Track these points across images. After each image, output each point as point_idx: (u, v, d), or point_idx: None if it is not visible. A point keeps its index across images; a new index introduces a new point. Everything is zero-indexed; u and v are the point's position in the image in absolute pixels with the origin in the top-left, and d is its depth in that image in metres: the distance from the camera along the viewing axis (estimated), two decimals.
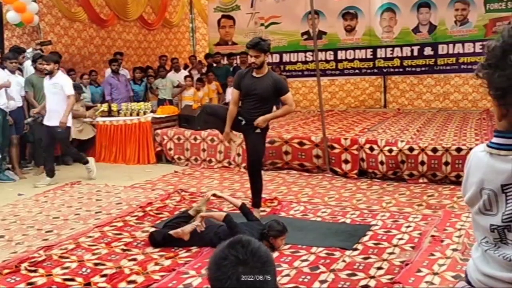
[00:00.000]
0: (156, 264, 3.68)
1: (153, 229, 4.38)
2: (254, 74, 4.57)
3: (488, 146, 1.33)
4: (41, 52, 7.91)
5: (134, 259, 3.77)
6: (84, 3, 9.94)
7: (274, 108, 4.86)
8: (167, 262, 3.70)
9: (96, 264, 3.69)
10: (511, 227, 1.27)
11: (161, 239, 4.02)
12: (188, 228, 3.98)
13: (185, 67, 11.12)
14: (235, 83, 4.76)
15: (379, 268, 3.49)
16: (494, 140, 1.31)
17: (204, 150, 7.39)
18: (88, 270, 3.60)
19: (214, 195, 4.49)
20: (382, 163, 6.10)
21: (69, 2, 9.79)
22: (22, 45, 8.35)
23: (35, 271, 3.60)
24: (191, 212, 4.34)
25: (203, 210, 4.36)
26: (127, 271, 3.57)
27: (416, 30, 10.38)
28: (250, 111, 4.60)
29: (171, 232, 3.99)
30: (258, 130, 4.57)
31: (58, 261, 3.76)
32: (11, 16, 8.08)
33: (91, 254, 3.89)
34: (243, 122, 4.62)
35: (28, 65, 7.66)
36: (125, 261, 3.74)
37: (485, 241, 1.35)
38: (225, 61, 11.45)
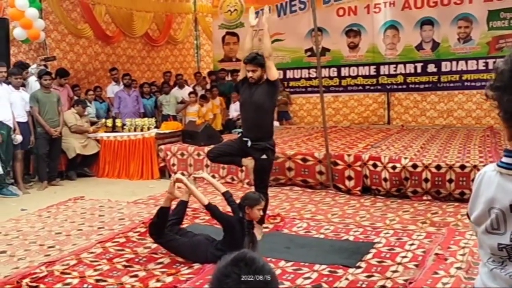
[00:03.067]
0: (158, 280, 3.65)
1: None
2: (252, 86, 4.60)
3: (498, 165, 1.33)
4: (45, 68, 7.98)
5: (136, 276, 3.75)
6: (90, 20, 10.06)
7: (277, 123, 4.84)
8: (169, 279, 3.67)
9: (97, 281, 3.67)
10: None
11: (157, 219, 4.03)
12: (171, 185, 4.11)
13: (185, 82, 11.13)
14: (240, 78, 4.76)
15: (383, 286, 3.45)
16: (504, 160, 1.32)
17: (207, 166, 7.39)
18: (90, 287, 3.58)
19: (195, 178, 4.41)
20: (385, 180, 6.08)
21: (76, 19, 9.91)
22: (28, 61, 8.44)
23: (36, 287, 3.59)
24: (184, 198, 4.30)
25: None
26: (128, 287, 3.55)
27: (419, 47, 10.43)
28: (250, 124, 4.58)
29: (163, 204, 4.08)
30: (264, 156, 4.56)
31: (60, 277, 3.74)
32: (17, 32, 8.18)
33: (93, 270, 3.87)
34: (249, 143, 4.57)
35: (32, 81, 7.72)
36: (127, 277, 3.73)
37: (491, 260, 1.35)
38: (229, 77, 11.52)
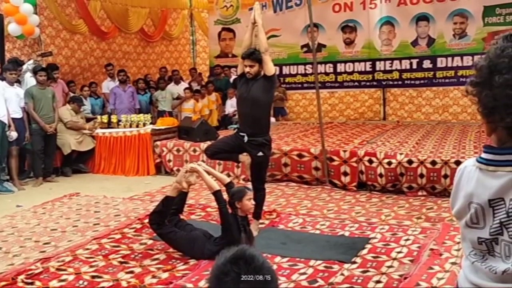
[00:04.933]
0: (154, 277, 3.66)
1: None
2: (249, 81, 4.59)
3: (477, 161, 1.36)
4: (41, 64, 7.94)
5: (132, 272, 3.75)
6: (85, 16, 10.02)
7: (273, 119, 4.83)
8: (165, 275, 3.68)
9: (93, 277, 3.67)
10: (498, 240, 1.30)
11: (161, 207, 4.03)
12: (182, 175, 4.10)
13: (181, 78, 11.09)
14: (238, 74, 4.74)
15: (378, 281, 3.47)
16: (484, 155, 1.35)
17: (203, 161, 7.37)
18: (85, 283, 3.57)
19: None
20: (381, 175, 6.09)
21: (70, 15, 9.86)
22: (23, 57, 8.40)
23: (32, 283, 3.58)
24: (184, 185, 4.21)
25: (192, 181, 4.22)
26: (124, 284, 3.55)
27: (415, 43, 10.43)
28: (246, 119, 4.59)
29: (169, 194, 4.09)
30: (260, 153, 4.56)
31: (55, 274, 3.74)
32: (12, 28, 8.13)
33: (89, 266, 3.87)
34: (246, 139, 4.56)
35: (27, 77, 7.68)
36: (123, 273, 3.72)
37: (473, 253, 1.38)
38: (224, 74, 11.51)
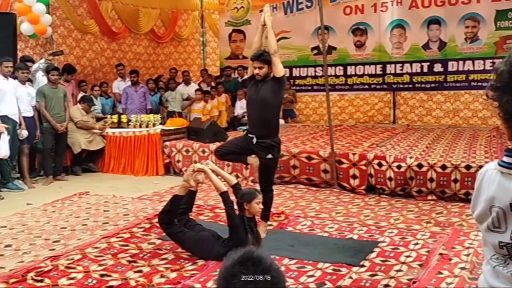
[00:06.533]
0: (162, 276, 3.67)
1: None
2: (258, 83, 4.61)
3: (499, 164, 1.35)
4: (53, 64, 7.99)
5: (140, 271, 3.77)
6: (96, 16, 10.09)
7: (282, 121, 4.83)
8: (173, 275, 3.69)
9: (102, 275, 3.69)
10: None
11: (169, 206, 4.03)
12: (189, 174, 4.10)
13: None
14: (248, 75, 4.76)
15: (386, 285, 3.45)
16: (505, 159, 1.34)
17: (212, 162, 7.38)
18: (94, 281, 3.59)
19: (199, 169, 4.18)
20: (390, 179, 6.06)
21: (82, 15, 9.93)
22: (35, 56, 8.47)
23: (41, 281, 3.60)
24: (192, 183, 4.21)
25: (200, 179, 4.22)
26: (132, 283, 3.56)
27: (426, 46, 10.40)
28: (255, 121, 4.60)
29: (177, 192, 4.09)
30: (269, 156, 4.56)
31: (64, 272, 3.76)
32: (25, 27, 8.21)
33: (97, 265, 3.89)
34: (254, 140, 4.57)
35: (39, 76, 7.75)
36: (131, 272, 3.74)
37: (495, 257, 1.38)
38: (235, 75, 11.53)
